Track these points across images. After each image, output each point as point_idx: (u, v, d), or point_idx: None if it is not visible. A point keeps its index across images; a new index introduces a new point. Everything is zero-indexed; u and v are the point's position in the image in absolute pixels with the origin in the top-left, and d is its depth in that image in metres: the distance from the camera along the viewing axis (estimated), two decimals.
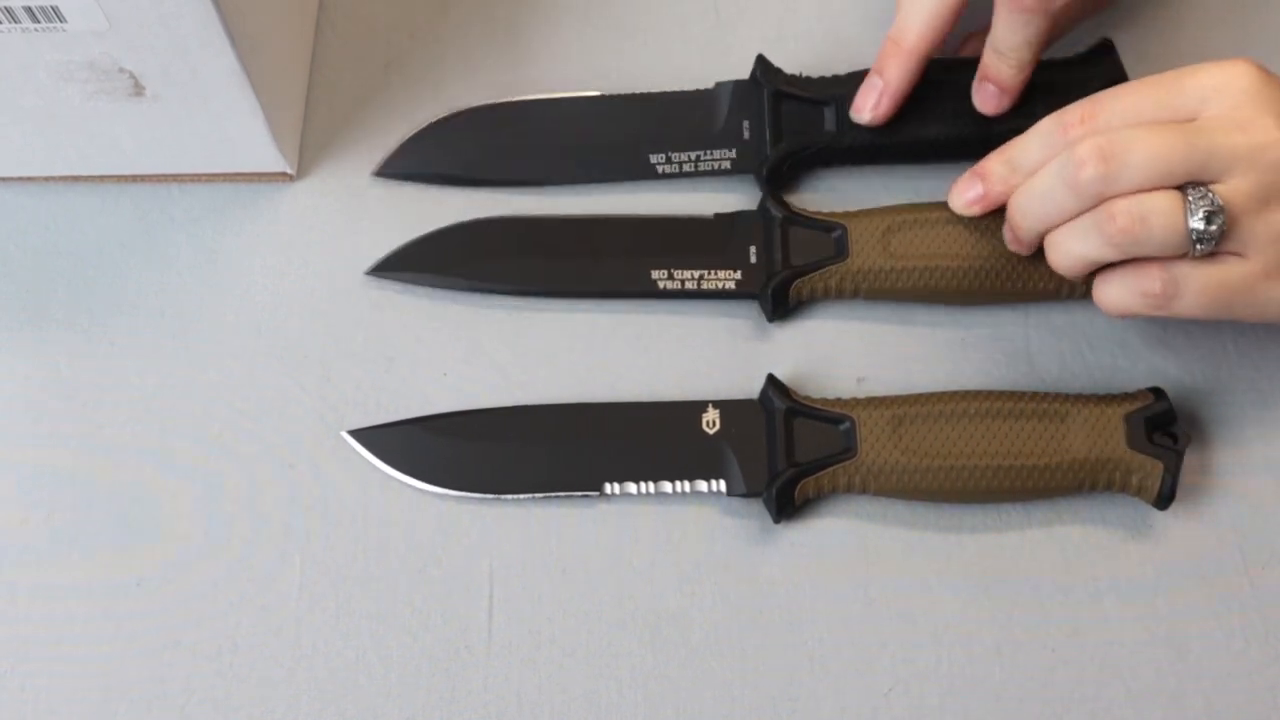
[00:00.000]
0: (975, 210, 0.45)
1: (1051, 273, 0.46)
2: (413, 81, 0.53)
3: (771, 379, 0.46)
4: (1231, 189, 0.39)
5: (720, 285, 0.48)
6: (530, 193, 0.51)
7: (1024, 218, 0.43)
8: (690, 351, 0.48)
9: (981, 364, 0.47)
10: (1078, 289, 0.47)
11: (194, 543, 0.45)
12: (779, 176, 0.50)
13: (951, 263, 0.46)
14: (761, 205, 0.49)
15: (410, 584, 0.45)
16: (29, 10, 0.41)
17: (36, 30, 0.42)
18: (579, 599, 0.44)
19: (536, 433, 0.46)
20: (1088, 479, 0.44)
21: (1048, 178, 0.42)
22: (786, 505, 0.44)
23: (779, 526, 0.45)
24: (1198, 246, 0.39)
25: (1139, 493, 0.44)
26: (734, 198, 0.51)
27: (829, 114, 0.49)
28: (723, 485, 0.45)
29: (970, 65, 0.48)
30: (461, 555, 0.45)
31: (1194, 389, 0.47)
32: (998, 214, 0.47)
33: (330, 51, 0.54)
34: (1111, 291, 0.42)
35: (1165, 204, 0.39)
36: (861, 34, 0.53)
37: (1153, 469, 0.43)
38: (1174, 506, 0.44)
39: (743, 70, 0.52)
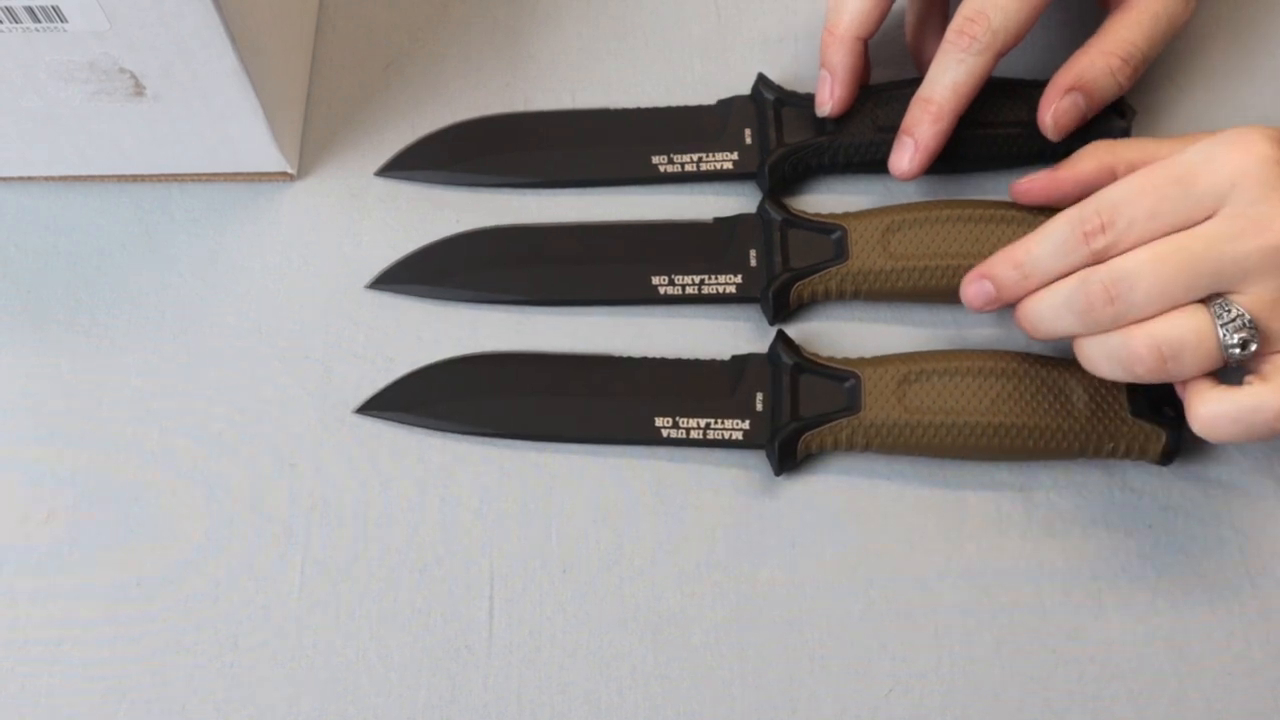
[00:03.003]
0: (990, 309, 0.44)
1: None
2: (413, 81, 0.53)
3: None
4: (1254, 299, 0.39)
5: (721, 290, 0.48)
6: (532, 193, 0.51)
7: (1035, 330, 0.43)
8: (692, 355, 0.48)
9: None
10: None
11: (194, 543, 0.45)
12: (780, 179, 0.50)
13: (952, 261, 0.46)
14: (761, 208, 0.49)
15: (410, 584, 0.45)
16: (29, 10, 0.41)
17: (37, 30, 0.42)
18: (579, 599, 0.44)
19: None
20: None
21: (1058, 304, 0.41)
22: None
23: (779, 528, 0.45)
24: (1234, 360, 0.39)
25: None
26: (735, 200, 0.51)
27: (829, 118, 0.49)
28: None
29: None
30: (461, 555, 0.45)
31: None
32: (997, 212, 0.47)
33: (330, 51, 0.54)
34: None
35: (1192, 335, 0.39)
36: None
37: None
38: (1174, 507, 0.45)
39: (742, 70, 0.52)
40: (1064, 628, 0.44)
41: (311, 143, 0.52)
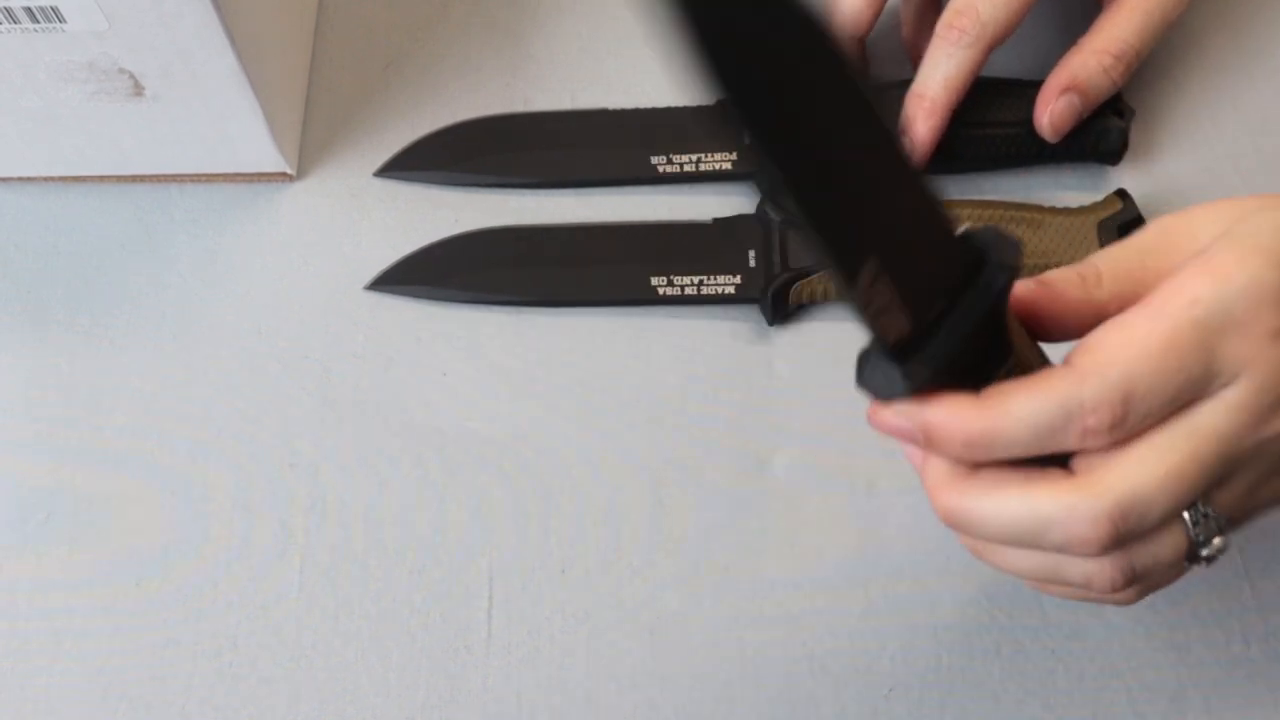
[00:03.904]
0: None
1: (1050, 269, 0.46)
2: (413, 81, 0.53)
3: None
4: (1231, 493, 0.32)
5: (720, 290, 0.48)
6: (531, 193, 0.51)
7: (1006, 569, 0.35)
8: (691, 356, 0.48)
9: None
10: None
11: (193, 542, 0.45)
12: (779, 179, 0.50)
13: None
14: (760, 209, 0.49)
15: (409, 584, 0.45)
16: (29, 10, 0.41)
17: (36, 31, 0.42)
18: (578, 599, 0.44)
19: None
20: None
21: (1053, 564, 0.33)
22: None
23: (780, 529, 0.45)
24: (1205, 564, 0.33)
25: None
26: (734, 201, 0.51)
27: None
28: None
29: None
30: (461, 555, 0.45)
31: None
32: (996, 212, 0.47)
33: (330, 51, 0.54)
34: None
35: (1171, 553, 0.32)
36: None
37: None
38: None
39: None
40: (1064, 628, 0.44)
41: (311, 143, 0.52)
